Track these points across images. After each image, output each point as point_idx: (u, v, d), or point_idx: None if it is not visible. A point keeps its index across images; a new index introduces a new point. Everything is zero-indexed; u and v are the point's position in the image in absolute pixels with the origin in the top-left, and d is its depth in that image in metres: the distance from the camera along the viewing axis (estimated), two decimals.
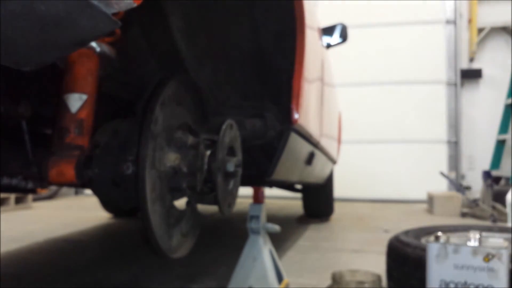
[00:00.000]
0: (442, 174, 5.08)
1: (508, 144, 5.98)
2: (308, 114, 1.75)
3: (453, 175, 5.96)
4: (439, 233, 1.06)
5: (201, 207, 1.24)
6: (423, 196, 5.41)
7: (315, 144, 2.19)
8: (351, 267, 2.11)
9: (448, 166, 6.10)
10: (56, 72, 1.07)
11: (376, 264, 2.04)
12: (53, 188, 5.51)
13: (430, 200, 4.78)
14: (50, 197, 5.77)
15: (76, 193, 6.59)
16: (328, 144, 2.73)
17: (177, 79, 1.11)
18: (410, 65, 6.19)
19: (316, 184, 3.40)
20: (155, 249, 1.00)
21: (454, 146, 6.16)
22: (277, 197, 5.49)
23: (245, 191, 1.99)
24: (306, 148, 2.02)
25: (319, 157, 2.54)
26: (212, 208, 1.24)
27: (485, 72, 6.40)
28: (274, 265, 1.65)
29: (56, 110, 1.06)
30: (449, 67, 6.21)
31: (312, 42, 1.81)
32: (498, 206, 4.24)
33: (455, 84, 6.19)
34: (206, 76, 1.57)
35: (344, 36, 3.19)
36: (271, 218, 3.69)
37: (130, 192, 0.99)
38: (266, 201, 1.74)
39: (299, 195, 3.93)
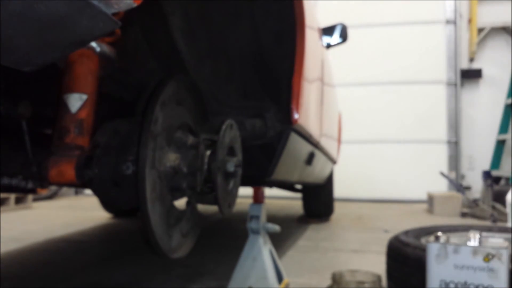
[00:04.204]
0: (442, 174, 5.08)
1: (508, 144, 5.98)
2: (308, 114, 1.75)
3: (453, 175, 5.96)
4: (439, 233, 1.05)
5: (201, 207, 1.24)
6: (423, 196, 5.41)
7: (315, 144, 2.19)
8: (351, 267, 2.11)
9: (448, 166, 6.10)
10: (56, 72, 1.07)
11: (376, 264, 2.04)
12: (53, 188, 5.50)
13: (430, 200, 4.78)
14: (50, 197, 5.77)
15: (76, 193, 6.59)
16: (328, 144, 2.73)
17: (177, 79, 1.11)
18: (410, 65, 6.19)
19: (316, 184, 3.40)
20: (155, 249, 1.00)
21: (454, 146, 6.16)
22: (277, 197, 5.49)
23: (245, 191, 1.99)
24: (306, 148, 2.02)
25: (319, 157, 2.54)
26: (212, 208, 1.24)
27: (485, 72, 6.40)
28: (274, 265, 1.65)
29: (56, 110, 1.06)
30: (449, 67, 6.21)
31: (312, 42, 1.81)
32: (498, 206, 4.24)
33: (455, 84, 6.19)
34: (206, 76, 1.57)
35: (344, 36, 3.19)
36: (271, 218, 3.69)
37: (130, 192, 0.99)
38: (266, 201, 1.74)
39: (299, 195, 3.93)
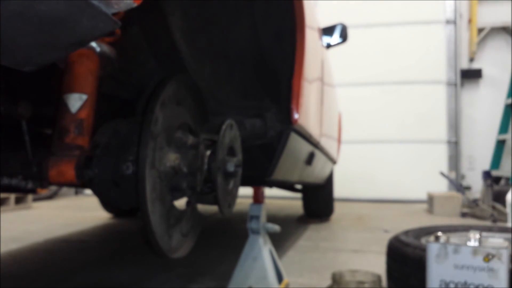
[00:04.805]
0: (442, 174, 5.08)
1: (508, 144, 5.98)
2: (308, 114, 1.75)
3: (453, 175, 5.96)
4: (439, 233, 1.05)
5: (201, 207, 1.24)
6: (423, 196, 5.41)
7: (315, 144, 2.19)
8: (351, 267, 2.11)
9: (448, 166, 6.10)
10: (56, 72, 1.07)
11: (376, 264, 2.04)
12: (53, 188, 5.51)
13: (430, 200, 4.78)
14: (50, 197, 5.77)
15: (76, 193, 6.59)
16: (328, 144, 2.73)
17: (177, 79, 1.11)
18: (410, 65, 6.19)
19: (316, 184, 3.40)
20: (155, 249, 1.00)
21: (454, 146, 6.16)
22: (277, 197, 5.49)
23: (245, 191, 1.99)
24: (306, 148, 2.02)
25: (319, 157, 2.54)
26: (212, 208, 1.24)
27: (485, 72, 6.40)
28: (274, 265, 1.65)
29: (56, 110, 1.06)
30: (449, 67, 6.21)
31: (312, 42, 1.81)
32: (498, 206, 4.24)
33: (455, 84, 6.19)
34: (206, 76, 1.57)
35: (344, 36, 3.19)
36: (271, 218, 3.69)
37: (130, 192, 0.99)
38: (266, 201, 1.74)
39: (299, 195, 3.93)
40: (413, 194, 5.87)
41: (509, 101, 6.03)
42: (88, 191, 6.08)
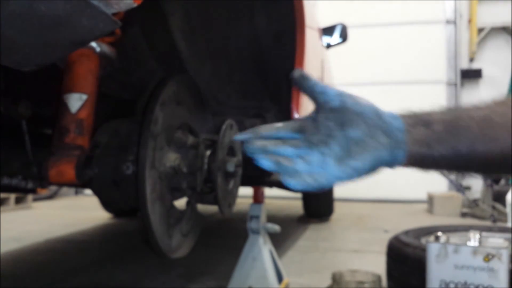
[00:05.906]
0: (442, 174, 5.07)
1: None
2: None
3: (453, 175, 5.95)
4: (439, 233, 1.05)
5: (201, 207, 1.24)
6: (423, 196, 5.40)
7: None
8: (351, 267, 2.11)
9: None
10: (56, 72, 1.08)
11: (376, 264, 2.04)
12: (53, 188, 5.50)
13: (430, 200, 4.78)
14: (50, 197, 5.77)
15: (76, 193, 6.58)
16: None
17: (177, 79, 1.11)
18: (410, 65, 6.18)
19: None
20: (155, 249, 1.00)
21: None
22: (277, 197, 5.48)
23: (245, 191, 1.99)
24: None
25: None
26: (212, 208, 1.24)
27: (485, 72, 6.39)
28: (274, 265, 1.65)
29: (56, 110, 1.06)
30: (449, 67, 6.20)
31: (312, 42, 1.81)
32: (498, 206, 4.24)
33: (455, 84, 6.18)
34: (206, 76, 1.57)
35: (344, 36, 3.20)
36: (271, 218, 3.69)
37: (130, 192, 0.99)
38: (266, 201, 1.74)
39: (299, 195, 3.93)
40: (413, 194, 5.86)
41: None
42: (88, 191, 6.07)
